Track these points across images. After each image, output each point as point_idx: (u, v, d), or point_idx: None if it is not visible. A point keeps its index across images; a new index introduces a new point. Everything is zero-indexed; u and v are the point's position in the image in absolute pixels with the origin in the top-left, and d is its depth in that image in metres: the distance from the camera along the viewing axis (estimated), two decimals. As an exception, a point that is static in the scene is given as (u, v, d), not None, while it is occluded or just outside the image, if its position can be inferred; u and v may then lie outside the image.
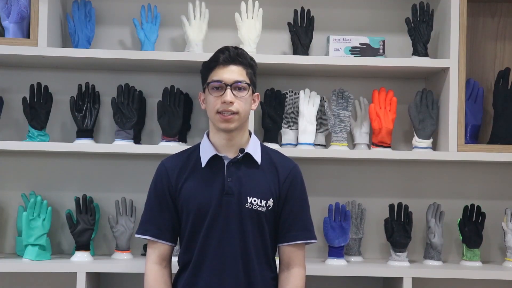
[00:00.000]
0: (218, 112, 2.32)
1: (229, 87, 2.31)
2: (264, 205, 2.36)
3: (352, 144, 3.23)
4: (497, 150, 3.07)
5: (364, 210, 3.21)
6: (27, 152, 3.14)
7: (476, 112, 3.21)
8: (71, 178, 3.23)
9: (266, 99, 3.16)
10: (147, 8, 3.15)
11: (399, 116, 3.20)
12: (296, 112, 3.16)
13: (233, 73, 2.33)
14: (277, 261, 2.47)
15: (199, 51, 3.09)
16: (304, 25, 3.18)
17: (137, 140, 3.15)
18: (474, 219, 3.19)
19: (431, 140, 3.14)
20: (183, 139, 3.18)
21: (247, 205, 2.34)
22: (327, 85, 3.26)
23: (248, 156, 2.39)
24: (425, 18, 3.14)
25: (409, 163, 3.30)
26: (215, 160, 2.38)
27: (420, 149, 3.12)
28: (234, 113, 2.32)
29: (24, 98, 3.05)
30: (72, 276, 2.89)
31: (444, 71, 3.10)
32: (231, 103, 2.31)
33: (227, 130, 2.34)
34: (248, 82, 2.35)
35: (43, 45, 2.96)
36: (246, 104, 2.34)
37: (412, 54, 3.15)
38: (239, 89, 2.33)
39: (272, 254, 2.44)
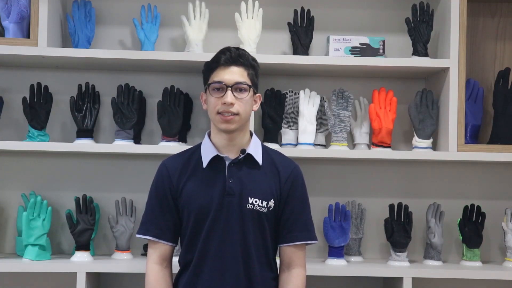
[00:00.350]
0: (218, 113, 2.33)
1: (229, 88, 2.31)
2: (265, 206, 2.36)
3: (352, 144, 3.23)
4: (497, 150, 3.07)
5: (364, 210, 3.21)
6: (27, 152, 3.14)
7: (476, 112, 3.21)
8: (71, 178, 3.23)
9: (266, 99, 3.15)
10: (147, 8, 3.14)
11: (399, 116, 3.20)
12: (296, 112, 3.16)
13: (234, 74, 2.32)
14: (278, 261, 2.47)
15: (199, 51, 3.09)
16: (304, 25, 3.18)
17: (137, 140, 3.15)
18: (474, 219, 3.19)
19: (431, 140, 3.14)
20: (183, 139, 3.18)
21: (248, 205, 2.34)
22: (327, 85, 3.26)
23: (249, 157, 2.39)
24: (425, 18, 3.14)
25: (409, 163, 3.30)
26: (217, 160, 2.38)
27: (420, 149, 3.12)
28: (234, 114, 2.32)
29: (24, 98, 3.05)
30: (72, 276, 2.89)
31: (444, 71, 3.10)
32: (232, 104, 2.30)
33: (228, 131, 2.34)
34: (249, 83, 2.34)
35: (43, 45, 2.96)
36: (246, 106, 2.34)
37: (412, 54, 3.15)
38: (240, 90, 2.32)
39: (272, 255, 2.44)
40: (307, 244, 2.44)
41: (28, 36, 3.01)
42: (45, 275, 3.15)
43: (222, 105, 2.31)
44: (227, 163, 2.37)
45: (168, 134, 3.07)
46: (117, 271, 3.04)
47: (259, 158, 2.40)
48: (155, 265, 2.40)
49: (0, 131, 3.20)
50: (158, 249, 2.41)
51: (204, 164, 2.38)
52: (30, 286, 3.19)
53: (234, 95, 2.31)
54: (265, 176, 2.39)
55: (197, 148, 2.45)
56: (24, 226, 2.95)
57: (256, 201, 2.35)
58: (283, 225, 2.41)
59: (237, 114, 2.32)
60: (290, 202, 2.41)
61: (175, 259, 2.46)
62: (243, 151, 2.37)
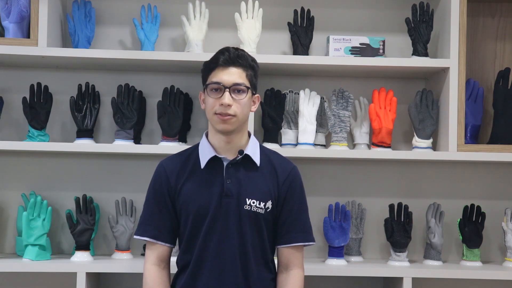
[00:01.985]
0: (216, 114, 2.32)
1: (227, 89, 2.30)
2: (263, 207, 2.36)
3: (352, 144, 3.23)
4: (497, 150, 3.07)
5: (364, 210, 3.21)
6: (27, 152, 3.14)
7: (476, 112, 3.21)
8: (71, 178, 3.24)
9: (266, 99, 3.16)
10: (147, 8, 3.15)
11: (399, 116, 3.20)
12: (296, 112, 3.16)
13: (232, 75, 2.31)
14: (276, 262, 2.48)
15: (199, 51, 3.09)
16: (304, 25, 3.18)
17: (137, 140, 3.15)
18: (474, 219, 3.19)
19: (431, 140, 3.14)
20: (183, 139, 3.18)
21: (245, 206, 2.34)
22: (327, 85, 3.26)
23: (247, 158, 2.38)
24: (425, 18, 3.14)
25: (409, 163, 3.30)
26: (214, 161, 2.37)
27: (420, 149, 3.12)
28: (231, 115, 2.31)
29: (24, 98, 3.05)
30: (72, 276, 2.89)
31: (444, 71, 3.10)
32: (229, 105, 2.30)
33: (225, 131, 2.33)
34: (247, 85, 2.33)
35: (43, 45, 2.96)
36: (244, 107, 2.33)
37: (412, 54, 3.15)
38: (238, 91, 2.31)
39: (270, 256, 2.43)
40: (304, 245, 2.44)
41: (28, 36, 3.01)
42: (45, 275, 3.15)
43: (219, 106, 2.30)
44: (225, 164, 2.37)
45: (168, 134, 3.07)
46: (117, 271, 3.04)
47: (257, 159, 2.40)
48: (153, 266, 2.40)
49: (0, 131, 3.20)
50: (156, 250, 2.40)
51: (202, 165, 2.38)
52: (30, 286, 3.20)
53: (232, 96, 2.30)
54: (263, 177, 2.39)
55: (195, 148, 2.45)
56: (24, 226, 2.95)
57: (253, 202, 2.35)
58: (280, 226, 2.41)
59: (234, 115, 2.31)
60: (288, 203, 2.40)
61: (173, 259, 2.46)
62: (241, 152, 2.37)
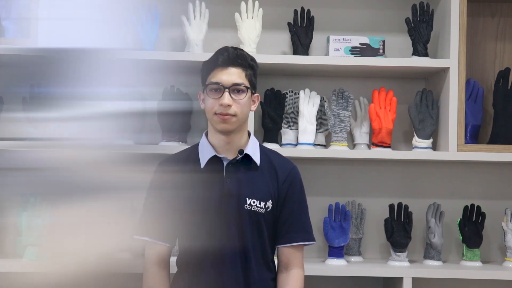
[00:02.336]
0: (216, 114, 2.32)
1: (227, 89, 2.30)
2: (263, 207, 2.36)
3: (352, 144, 3.23)
4: (497, 150, 3.07)
5: (364, 210, 3.21)
6: (27, 152, 3.14)
7: (476, 112, 3.21)
8: (71, 178, 3.23)
9: (266, 99, 3.16)
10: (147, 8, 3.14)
11: (399, 116, 3.20)
12: (296, 112, 3.16)
13: (231, 75, 2.32)
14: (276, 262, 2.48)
15: (199, 51, 3.09)
16: (304, 25, 3.18)
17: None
18: (474, 219, 3.19)
19: (431, 140, 3.14)
20: (183, 139, 3.18)
21: (246, 206, 2.34)
22: (327, 85, 3.26)
23: (247, 157, 2.38)
24: (425, 18, 3.14)
25: (409, 163, 3.30)
26: (214, 161, 2.37)
27: (420, 149, 3.12)
28: (231, 115, 2.31)
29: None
30: (72, 276, 2.89)
31: (444, 71, 3.10)
32: (229, 106, 2.30)
33: (225, 131, 2.33)
34: (247, 85, 2.33)
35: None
36: (244, 107, 2.33)
37: (412, 54, 3.15)
38: (237, 91, 2.31)
39: (271, 255, 2.43)
40: (305, 245, 2.44)
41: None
42: (45, 275, 3.15)
43: (219, 106, 2.30)
44: (225, 163, 2.37)
45: (168, 134, 3.07)
46: (117, 271, 3.03)
47: (257, 158, 2.40)
48: (153, 266, 2.40)
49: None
50: (156, 250, 2.40)
51: (202, 165, 2.38)
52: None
53: (232, 97, 2.30)
54: (262, 176, 2.39)
55: (195, 148, 2.45)
56: (24, 226, 2.95)
57: (253, 202, 2.34)
58: (281, 226, 2.41)
59: (234, 115, 2.31)
60: (288, 203, 2.40)
61: (173, 259, 2.46)
62: (241, 151, 2.37)
